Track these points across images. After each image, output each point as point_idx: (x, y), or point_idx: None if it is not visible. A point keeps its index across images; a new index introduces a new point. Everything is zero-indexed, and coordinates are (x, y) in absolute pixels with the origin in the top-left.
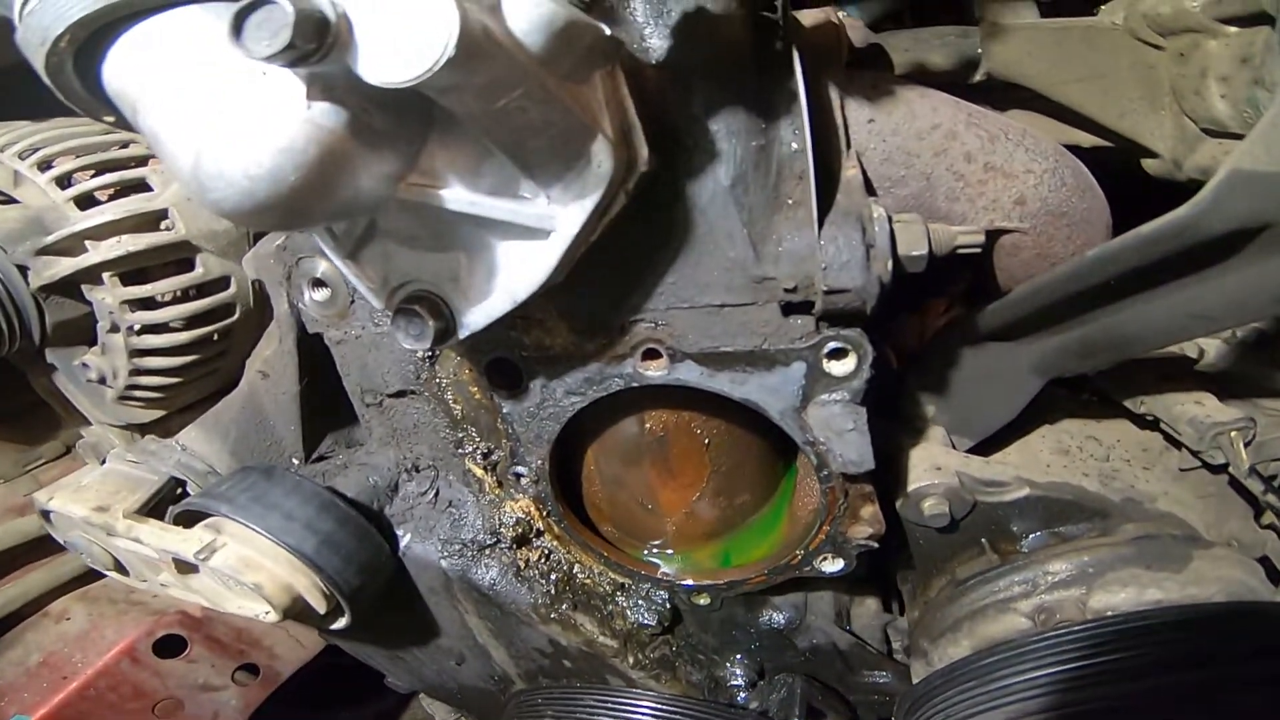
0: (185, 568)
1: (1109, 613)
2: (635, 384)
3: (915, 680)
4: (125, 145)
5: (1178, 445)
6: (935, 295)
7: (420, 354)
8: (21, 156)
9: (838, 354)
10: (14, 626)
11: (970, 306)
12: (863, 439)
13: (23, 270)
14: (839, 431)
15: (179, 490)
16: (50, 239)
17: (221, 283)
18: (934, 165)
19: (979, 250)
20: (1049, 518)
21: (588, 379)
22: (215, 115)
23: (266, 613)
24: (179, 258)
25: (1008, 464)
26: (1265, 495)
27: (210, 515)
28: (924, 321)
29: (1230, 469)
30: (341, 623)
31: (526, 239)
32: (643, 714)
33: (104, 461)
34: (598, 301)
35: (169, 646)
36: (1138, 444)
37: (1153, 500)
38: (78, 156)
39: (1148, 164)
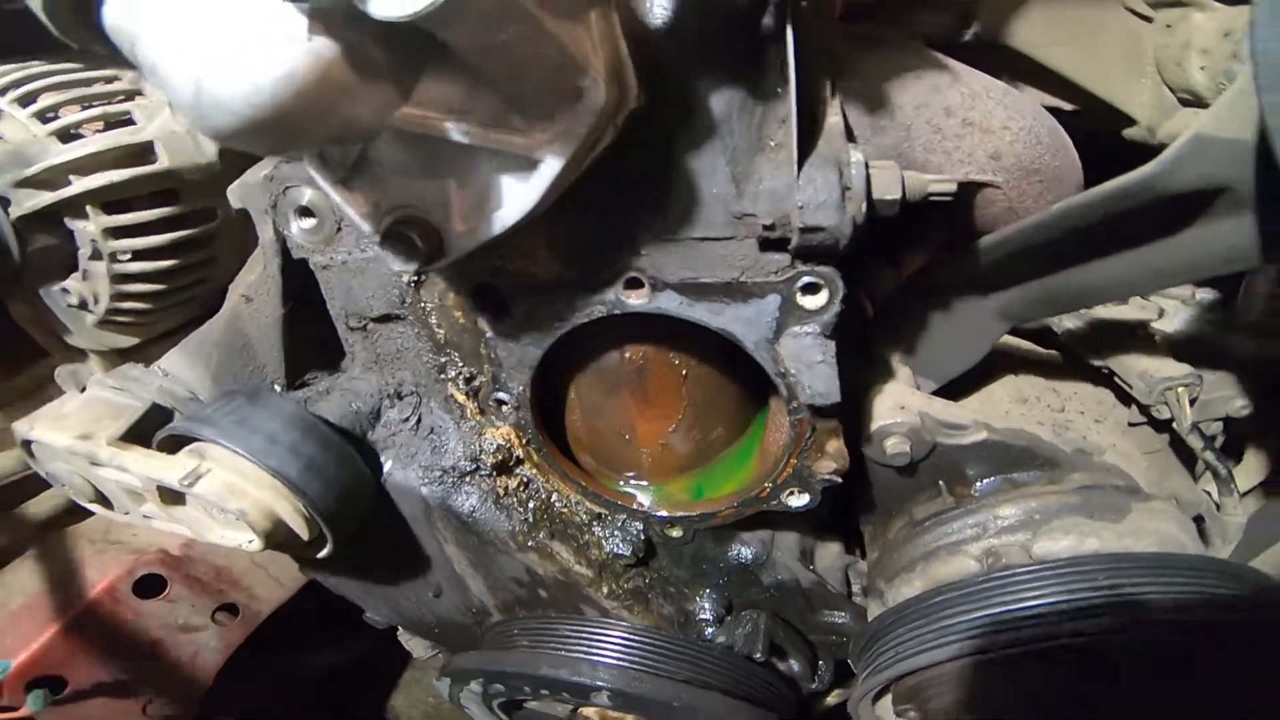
0: (169, 497)
1: (1049, 558)
2: (617, 311)
3: (870, 619)
4: (109, 81)
5: (1128, 401)
6: (912, 249)
7: (406, 279)
8: (2, 93)
9: (811, 289)
10: None
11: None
12: (830, 371)
13: (2, 201)
14: (809, 363)
15: (162, 417)
16: (31, 171)
17: (205, 213)
18: (914, 117)
19: (949, 199)
20: (1003, 463)
21: (571, 306)
22: (216, 45)
23: (250, 541)
24: (163, 188)
25: (968, 408)
26: (1204, 452)
27: (195, 440)
28: (900, 274)
29: (1174, 425)
30: (325, 551)
31: (516, 168)
32: (614, 643)
33: (84, 390)
34: (583, 232)
35: (149, 587)
36: (1093, 398)
37: (1101, 452)
38: (60, 92)
39: (1126, 131)
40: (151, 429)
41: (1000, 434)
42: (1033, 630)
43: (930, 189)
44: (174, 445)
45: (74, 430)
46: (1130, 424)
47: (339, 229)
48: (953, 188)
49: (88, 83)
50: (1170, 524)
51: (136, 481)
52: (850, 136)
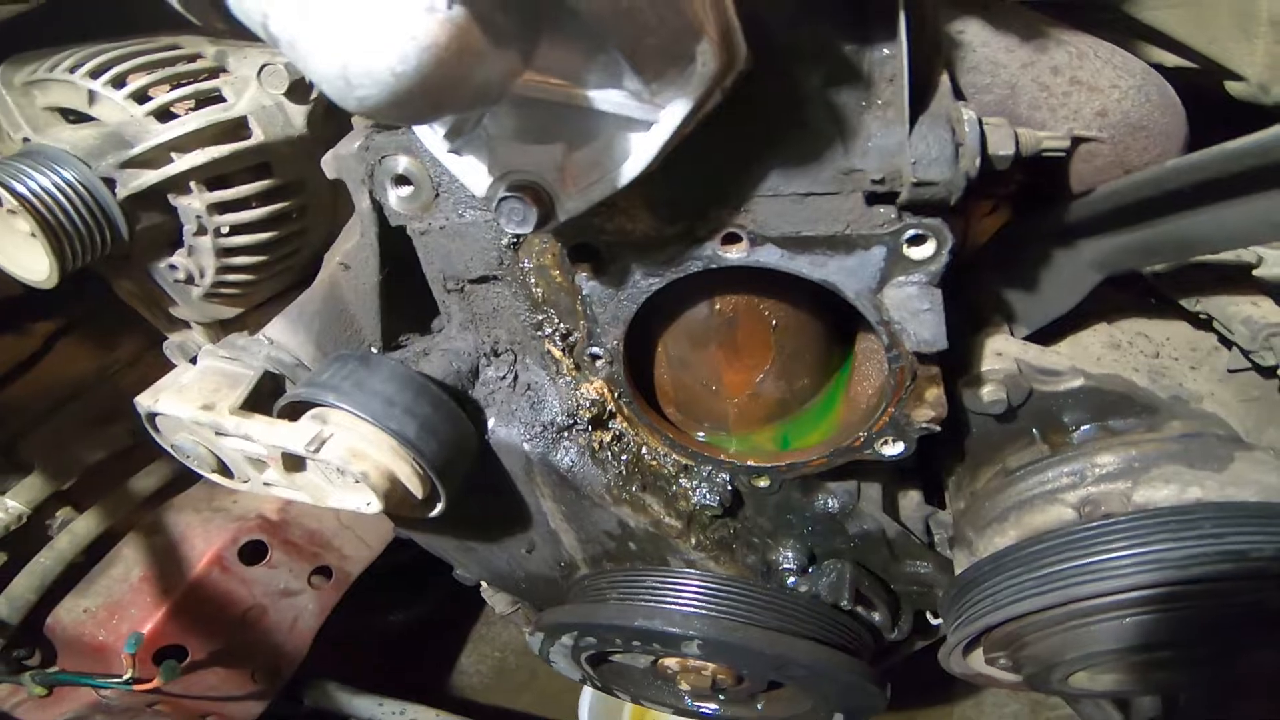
0: (292, 464)
1: (1151, 507)
2: (714, 266)
3: (958, 570)
4: (192, 59)
5: (1228, 346)
6: (981, 197)
7: (505, 241)
8: (93, 75)
9: (917, 240)
10: (113, 544)
11: (1016, 210)
12: (937, 319)
13: (109, 182)
14: (914, 312)
15: (273, 384)
16: (136, 151)
17: (296, 185)
18: (1020, 76)
19: (1063, 155)
20: (1099, 410)
21: (667, 262)
22: (358, 19)
23: (369, 504)
24: (257, 162)
25: (1061, 354)
26: None
27: (314, 405)
28: (968, 221)
29: (1279, 372)
30: (437, 510)
31: (627, 132)
32: (703, 594)
33: (194, 360)
34: (683, 189)
35: (251, 554)
36: (1187, 343)
37: (1199, 400)
38: (148, 72)
39: (1232, 87)
40: (265, 396)
41: (1097, 380)
42: (1141, 577)
43: (1044, 145)
44: (292, 411)
45: (196, 401)
46: (1230, 370)
47: (436, 195)
48: (1066, 144)
49: (171, 62)
50: (1273, 475)
51: (261, 450)
52: (958, 95)
